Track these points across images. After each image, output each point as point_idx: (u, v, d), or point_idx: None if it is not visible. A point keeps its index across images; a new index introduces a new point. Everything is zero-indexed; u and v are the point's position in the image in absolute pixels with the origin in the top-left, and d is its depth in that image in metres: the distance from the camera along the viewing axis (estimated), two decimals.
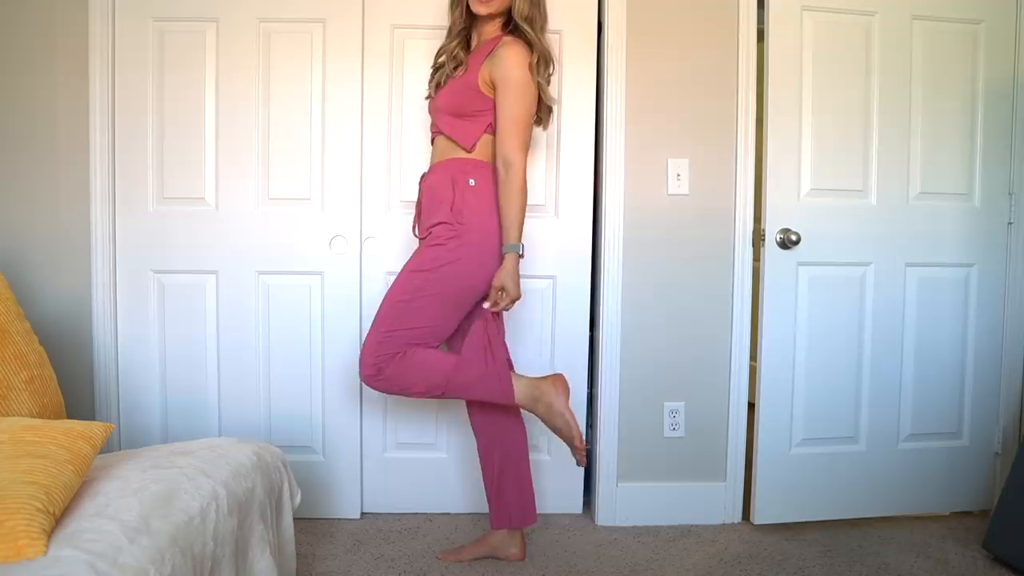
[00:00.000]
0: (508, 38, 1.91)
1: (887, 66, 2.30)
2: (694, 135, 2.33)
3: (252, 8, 2.26)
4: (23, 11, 2.23)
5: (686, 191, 2.33)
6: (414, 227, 2.07)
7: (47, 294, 2.27)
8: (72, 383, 2.19)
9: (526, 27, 1.90)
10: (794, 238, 2.24)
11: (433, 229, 1.92)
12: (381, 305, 1.96)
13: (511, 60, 1.86)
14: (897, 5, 2.30)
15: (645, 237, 2.33)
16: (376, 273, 2.34)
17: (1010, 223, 2.40)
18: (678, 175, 2.32)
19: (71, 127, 2.25)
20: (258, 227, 2.31)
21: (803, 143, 2.28)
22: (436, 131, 2.02)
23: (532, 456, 2.18)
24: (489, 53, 1.91)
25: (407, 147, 2.32)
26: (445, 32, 2.07)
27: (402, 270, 1.97)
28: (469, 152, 1.93)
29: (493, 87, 1.89)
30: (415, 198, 2.08)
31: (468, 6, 1.94)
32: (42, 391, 1.67)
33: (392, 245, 2.32)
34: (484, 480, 2.07)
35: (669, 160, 2.32)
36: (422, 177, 2.06)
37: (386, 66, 2.30)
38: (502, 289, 1.87)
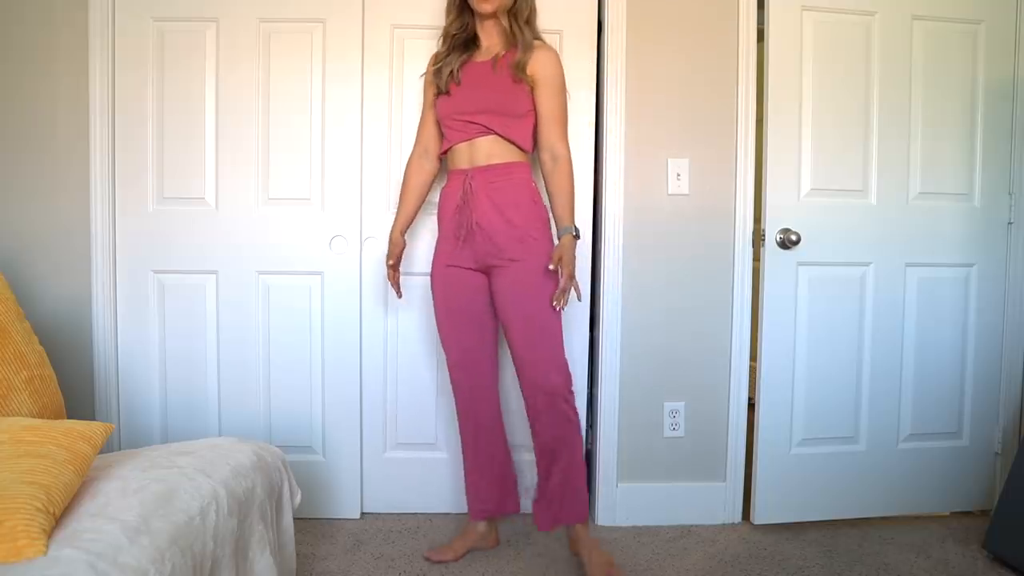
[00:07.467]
0: (539, 43, 1.99)
1: (887, 66, 2.30)
2: (694, 135, 2.33)
3: (252, 8, 2.26)
4: (23, 10, 2.23)
5: (686, 191, 2.33)
6: (456, 224, 1.99)
7: (47, 294, 2.27)
8: (72, 383, 2.19)
9: (524, 29, 1.98)
10: (794, 238, 2.24)
11: (531, 236, 1.94)
12: (532, 322, 1.93)
13: (554, 61, 1.97)
14: (897, 5, 2.30)
15: (645, 237, 2.33)
16: (376, 273, 2.34)
17: (1010, 223, 2.40)
18: (678, 175, 2.32)
19: (71, 127, 2.25)
20: (258, 227, 2.31)
21: (803, 143, 2.28)
22: (480, 132, 1.96)
23: (527, 456, 2.25)
24: (514, 57, 1.94)
25: (407, 147, 2.30)
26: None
27: (520, 283, 1.94)
28: (528, 153, 2.00)
29: (532, 87, 1.95)
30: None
31: (470, 6, 1.97)
32: (42, 391, 1.67)
33: None
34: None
35: (669, 160, 2.32)
36: (461, 174, 1.98)
37: (386, 66, 2.30)
38: (571, 275, 1.90)
